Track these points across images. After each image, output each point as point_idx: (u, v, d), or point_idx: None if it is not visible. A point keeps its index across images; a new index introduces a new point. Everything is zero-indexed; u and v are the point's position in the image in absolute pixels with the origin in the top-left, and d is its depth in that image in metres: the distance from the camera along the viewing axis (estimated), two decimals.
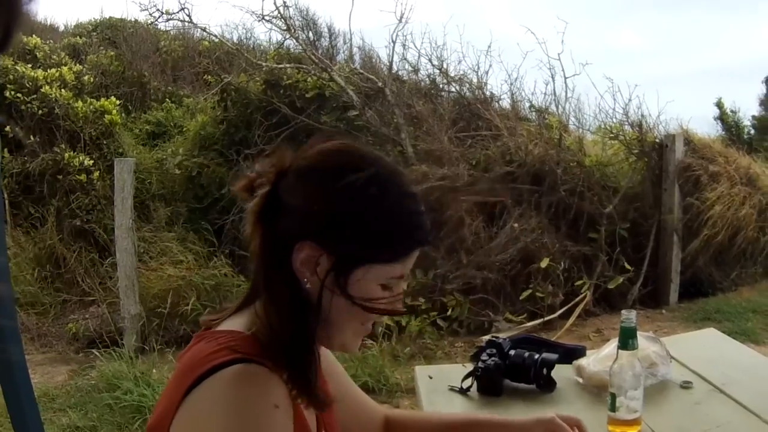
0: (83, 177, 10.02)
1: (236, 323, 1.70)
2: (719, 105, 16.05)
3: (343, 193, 1.62)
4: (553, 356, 2.92)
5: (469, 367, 3.05)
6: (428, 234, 1.74)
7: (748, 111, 16.85)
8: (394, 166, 1.77)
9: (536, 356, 2.91)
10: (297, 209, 1.63)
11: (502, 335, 7.03)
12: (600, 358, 2.90)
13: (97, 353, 7.45)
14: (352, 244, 1.63)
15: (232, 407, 1.48)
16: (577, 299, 8.59)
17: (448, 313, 8.19)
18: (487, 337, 7.44)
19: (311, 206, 1.63)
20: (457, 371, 3.08)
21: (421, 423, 2.28)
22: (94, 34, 16.18)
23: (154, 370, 6.95)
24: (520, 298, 8.45)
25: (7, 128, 10.21)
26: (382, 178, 1.67)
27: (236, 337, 1.63)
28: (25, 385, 2.67)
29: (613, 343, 2.78)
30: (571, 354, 3.12)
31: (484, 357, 2.93)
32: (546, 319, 8.30)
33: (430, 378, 3.15)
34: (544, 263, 8.51)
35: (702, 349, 3.37)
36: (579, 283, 8.74)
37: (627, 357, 2.41)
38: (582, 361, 2.98)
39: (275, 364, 1.57)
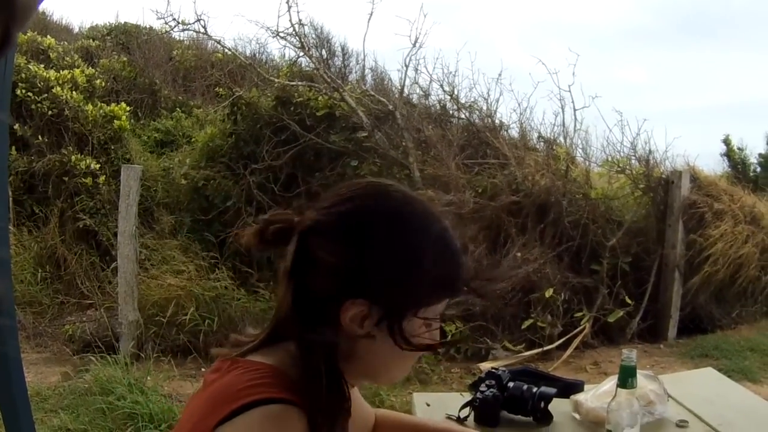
0: (89, 180, 10.04)
1: (269, 358, 1.67)
2: (726, 142, 16.06)
3: (379, 244, 1.60)
4: (551, 390, 2.92)
5: (467, 396, 3.05)
6: (465, 264, 1.70)
7: (755, 149, 16.86)
8: (422, 203, 1.71)
9: (534, 389, 2.91)
10: (335, 267, 1.59)
11: (499, 364, 7.03)
12: (598, 394, 2.90)
13: (92, 357, 7.44)
14: (400, 294, 1.60)
15: None
16: (576, 331, 8.59)
17: (448, 338, 8.18)
18: (486, 365, 7.45)
19: (349, 263, 1.59)
20: (454, 400, 3.08)
21: (405, 426, 2.29)
22: (108, 38, 16.22)
23: (148, 378, 6.94)
24: (522, 327, 8.44)
25: (16, 126, 10.21)
26: (415, 220, 1.65)
27: (271, 373, 1.61)
28: (19, 381, 2.68)
29: (612, 380, 2.79)
30: (569, 388, 3.12)
31: (482, 388, 2.93)
32: (544, 349, 8.30)
33: (428, 405, 3.14)
34: (547, 293, 8.50)
35: (699, 388, 3.36)
36: (578, 314, 8.74)
37: (625, 395, 2.40)
38: (580, 396, 2.97)
39: (306, 404, 1.55)
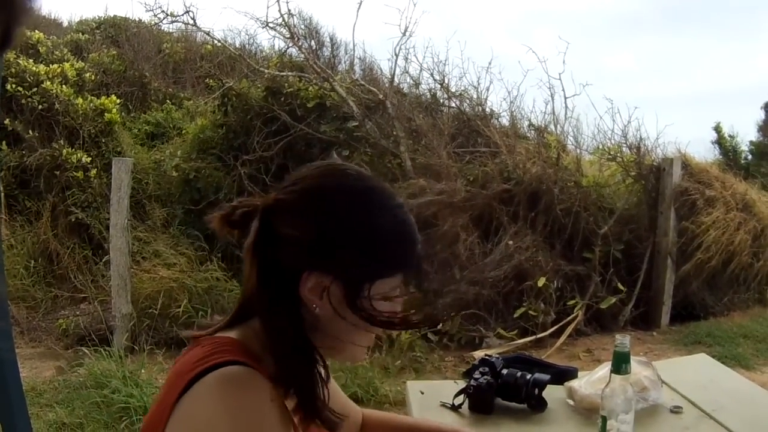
0: (80, 174, 10.01)
1: (231, 333, 1.73)
2: (717, 129, 16.09)
3: (336, 217, 1.67)
4: (545, 377, 2.92)
5: (461, 383, 3.05)
6: (419, 240, 1.78)
7: (746, 136, 16.89)
8: (376, 181, 1.80)
9: (528, 376, 2.92)
10: (295, 240, 1.66)
11: (493, 352, 7.04)
12: (592, 380, 2.91)
13: (86, 350, 7.43)
14: (355, 265, 1.66)
15: (225, 405, 1.51)
16: (569, 318, 8.60)
17: (440, 327, 8.18)
18: (479, 353, 7.46)
19: (309, 236, 1.66)
20: (448, 387, 3.09)
21: (392, 425, 2.31)
22: (98, 31, 16.17)
23: (142, 371, 6.94)
24: (515, 315, 8.45)
25: (6, 121, 10.20)
26: (369, 196, 1.73)
27: (229, 343, 1.67)
28: (14, 382, 2.68)
29: (606, 366, 2.79)
30: (563, 375, 3.13)
31: (476, 375, 2.94)
32: (537, 336, 8.30)
33: (422, 393, 3.15)
34: (540, 282, 8.51)
35: (693, 374, 3.37)
36: (571, 302, 8.75)
37: (619, 381, 2.40)
38: (574, 383, 2.98)
39: (283, 382, 1.61)
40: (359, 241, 1.67)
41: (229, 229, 1.73)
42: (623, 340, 2.38)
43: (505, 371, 2.96)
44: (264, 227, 1.69)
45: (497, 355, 3.14)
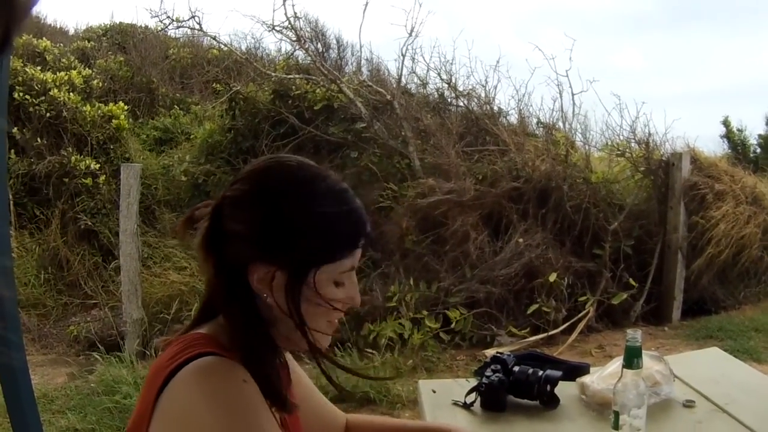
0: (89, 180, 10.05)
1: (202, 329, 1.79)
2: (726, 123, 16.09)
3: (277, 208, 1.72)
4: (557, 373, 2.92)
5: (473, 381, 3.04)
6: (366, 226, 1.80)
7: (754, 130, 16.88)
8: (317, 169, 1.82)
9: (540, 373, 2.91)
10: (241, 234, 1.72)
11: (504, 350, 7.04)
12: (604, 376, 2.90)
13: (98, 356, 7.45)
14: (297, 254, 1.71)
15: (205, 392, 1.58)
16: (580, 315, 8.58)
17: (452, 326, 8.17)
18: (491, 351, 7.45)
19: (252, 229, 1.72)
20: (460, 386, 3.08)
21: (378, 427, 2.33)
22: (104, 38, 16.23)
23: None
24: (527, 312, 8.43)
25: (14, 130, 10.21)
26: (310, 184, 1.76)
27: (199, 337, 1.74)
28: (27, 390, 2.70)
29: (617, 362, 2.79)
30: (574, 371, 3.12)
31: (488, 373, 2.93)
32: (549, 333, 8.29)
33: (434, 392, 3.14)
34: (551, 278, 8.49)
35: (705, 368, 3.36)
36: (582, 298, 8.73)
37: (631, 376, 2.40)
38: (585, 379, 2.97)
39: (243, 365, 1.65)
40: (300, 229, 1.71)
41: (192, 231, 1.79)
42: (635, 334, 2.38)
43: (516, 368, 2.95)
44: (212, 224, 1.75)
45: (509, 353, 3.14)
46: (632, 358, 2.39)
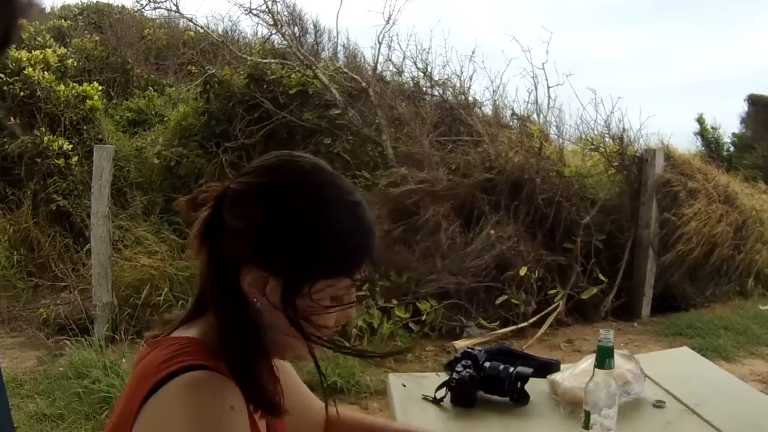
0: (61, 161, 9.96)
1: (189, 331, 1.71)
2: (700, 121, 16.20)
3: (282, 212, 1.61)
4: (528, 370, 2.91)
5: (443, 376, 3.04)
6: (375, 244, 1.70)
7: (728, 128, 17.00)
8: (333, 175, 1.72)
9: (511, 369, 2.90)
10: (239, 232, 1.63)
11: (473, 342, 7.05)
12: (575, 374, 2.90)
13: (68, 340, 7.40)
14: (296, 264, 1.61)
15: (190, 412, 1.49)
16: (550, 308, 8.59)
17: (423, 318, 8.17)
18: (460, 343, 7.47)
19: (252, 229, 1.63)
20: (431, 380, 3.08)
21: (361, 426, 2.29)
22: (80, 17, 16.15)
23: (123, 360, 6.88)
24: (496, 303, 8.44)
25: None
26: (321, 191, 1.66)
27: (190, 344, 1.64)
28: None
29: (588, 360, 2.80)
30: (545, 368, 3.12)
31: (458, 368, 2.93)
32: (519, 326, 8.30)
33: (404, 386, 3.14)
34: (522, 271, 8.51)
35: (676, 367, 3.38)
36: (552, 292, 8.75)
37: (603, 376, 2.40)
38: (556, 376, 2.97)
39: (229, 371, 1.58)
40: (303, 238, 1.61)
41: (195, 213, 1.70)
42: (607, 334, 2.38)
43: (487, 364, 2.94)
44: (212, 216, 1.67)
45: (480, 348, 3.13)
46: (604, 358, 2.39)
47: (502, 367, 2.92)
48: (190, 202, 1.71)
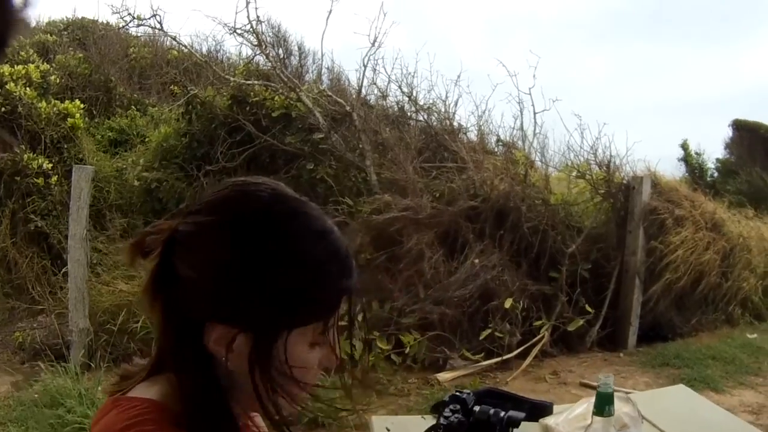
0: (41, 180, 9.87)
1: (150, 391, 1.49)
2: (684, 146, 16.28)
3: (240, 255, 1.40)
4: (520, 414, 2.79)
5: (429, 418, 2.93)
6: (353, 278, 1.49)
7: (712, 153, 17.08)
8: (297, 201, 1.50)
9: (502, 413, 2.78)
10: (195, 284, 1.42)
11: (458, 374, 6.92)
12: (570, 418, 2.80)
13: (43, 366, 7.27)
14: (265, 314, 1.40)
15: None
16: (535, 339, 8.52)
17: (406, 350, 8.05)
18: (443, 375, 7.35)
19: (209, 279, 1.41)
20: (416, 424, 2.96)
21: None
22: (65, 33, 16.11)
23: (99, 388, 6.77)
24: (480, 337, 8.34)
25: None
26: (286, 223, 1.44)
27: (150, 409, 1.43)
28: None
29: (585, 403, 2.72)
30: (538, 411, 3.01)
31: (446, 413, 2.80)
32: (503, 358, 8.21)
33: (388, 430, 3.02)
34: (507, 303, 8.43)
35: (672, 407, 3.32)
36: (538, 323, 8.68)
37: (602, 423, 2.29)
38: (550, 420, 2.87)
39: None
40: (270, 282, 1.39)
41: (143, 259, 1.48)
42: (607, 380, 2.28)
43: (477, 408, 2.82)
44: (162, 266, 1.46)
45: (468, 391, 3.01)
46: (604, 405, 2.28)
47: (492, 411, 2.79)
48: (137, 248, 1.49)
